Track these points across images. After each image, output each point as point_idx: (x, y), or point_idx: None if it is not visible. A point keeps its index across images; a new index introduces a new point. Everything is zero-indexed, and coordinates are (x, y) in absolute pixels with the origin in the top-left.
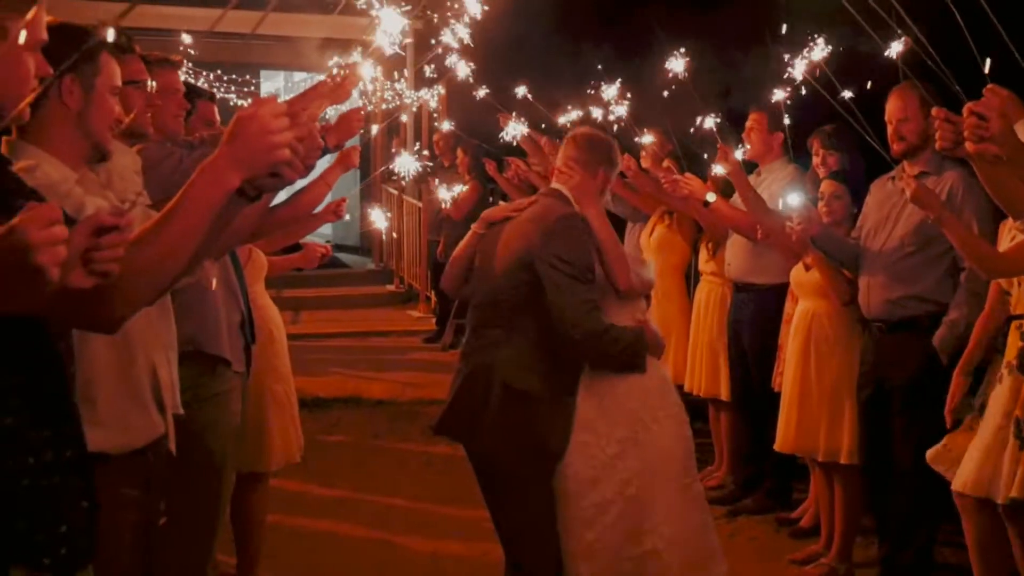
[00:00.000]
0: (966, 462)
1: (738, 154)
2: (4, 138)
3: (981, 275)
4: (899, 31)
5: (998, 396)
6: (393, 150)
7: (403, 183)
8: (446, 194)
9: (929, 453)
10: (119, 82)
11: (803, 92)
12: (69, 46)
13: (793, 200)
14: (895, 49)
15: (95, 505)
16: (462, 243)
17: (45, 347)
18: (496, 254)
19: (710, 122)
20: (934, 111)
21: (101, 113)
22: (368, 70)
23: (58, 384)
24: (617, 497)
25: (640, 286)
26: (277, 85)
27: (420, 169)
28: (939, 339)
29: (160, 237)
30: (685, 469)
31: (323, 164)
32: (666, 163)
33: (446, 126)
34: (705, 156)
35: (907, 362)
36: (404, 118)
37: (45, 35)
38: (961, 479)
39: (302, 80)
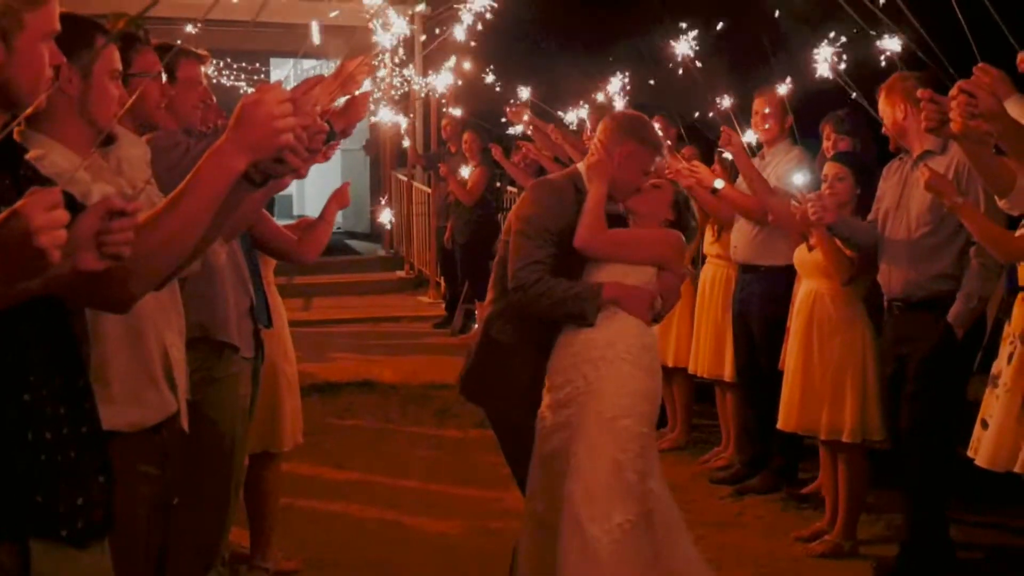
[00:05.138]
0: (985, 439)
1: (746, 137)
2: (16, 128)
3: (998, 259)
4: (894, 27)
5: (1015, 372)
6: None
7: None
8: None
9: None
10: (118, 66)
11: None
12: (75, 36)
13: (797, 180)
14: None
15: (111, 479)
16: None
17: (61, 326)
18: None
19: (722, 104)
20: (919, 93)
21: (101, 98)
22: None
23: (73, 362)
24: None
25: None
26: (286, 72)
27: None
28: (954, 314)
29: (169, 219)
30: (619, 408)
31: (325, 169)
32: (685, 151)
33: (455, 112)
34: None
35: (924, 337)
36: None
37: (58, 26)
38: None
39: (311, 67)
